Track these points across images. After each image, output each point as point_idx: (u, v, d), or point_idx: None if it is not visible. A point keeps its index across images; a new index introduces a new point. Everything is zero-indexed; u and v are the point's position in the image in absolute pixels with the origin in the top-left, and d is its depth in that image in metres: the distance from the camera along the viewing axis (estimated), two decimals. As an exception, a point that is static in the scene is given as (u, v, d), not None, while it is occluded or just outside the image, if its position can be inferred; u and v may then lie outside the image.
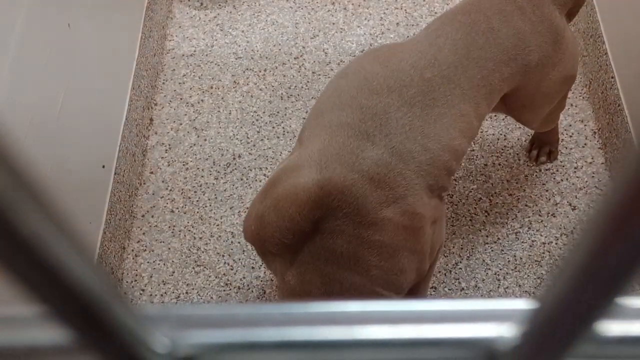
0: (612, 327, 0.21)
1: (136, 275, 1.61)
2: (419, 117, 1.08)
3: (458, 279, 1.56)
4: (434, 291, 1.55)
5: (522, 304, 0.22)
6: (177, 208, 1.70)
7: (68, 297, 0.19)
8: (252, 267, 1.60)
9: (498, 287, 1.55)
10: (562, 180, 1.68)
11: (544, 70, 1.23)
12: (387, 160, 1.04)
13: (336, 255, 1.01)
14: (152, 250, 1.64)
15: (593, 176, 1.68)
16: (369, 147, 1.04)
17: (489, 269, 1.56)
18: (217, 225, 1.66)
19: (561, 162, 1.71)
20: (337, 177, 1.00)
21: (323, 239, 1.01)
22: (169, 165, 1.77)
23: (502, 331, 0.21)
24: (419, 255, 1.11)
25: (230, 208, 1.69)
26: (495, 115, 1.76)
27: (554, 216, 1.62)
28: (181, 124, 1.84)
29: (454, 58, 1.14)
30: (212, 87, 1.91)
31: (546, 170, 1.70)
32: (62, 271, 0.18)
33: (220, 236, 1.65)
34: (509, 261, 1.57)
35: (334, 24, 2.02)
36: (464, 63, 1.14)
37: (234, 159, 1.77)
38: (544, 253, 1.58)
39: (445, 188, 1.16)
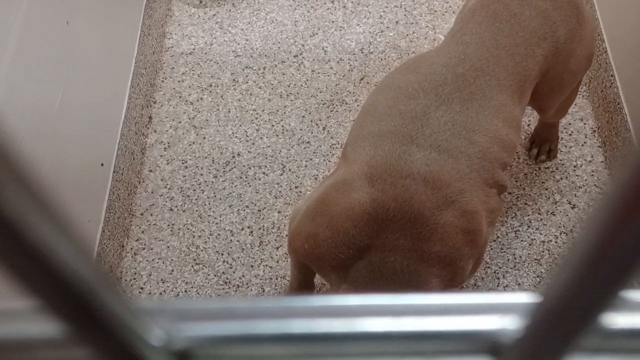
0: (617, 320, 0.21)
1: (135, 273, 1.60)
2: (459, 112, 1.06)
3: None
4: (433, 290, 1.55)
5: (525, 297, 0.22)
6: (176, 206, 1.70)
7: (62, 289, 0.19)
8: (251, 266, 1.59)
9: (497, 285, 1.54)
10: (561, 178, 1.68)
11: (572, 46, 1.22)
12: (436, 158, 1.01)
13: (394, 272, 0.98)
14: (151, 249, 1.64)
15: (593, 174, 1.68)
16: (414, 149, 1.01)
17: (489, 267, 1.56)
18: (216, 223, 1.66)
19: (561, 160, 1.71)
20: (389, 187, 0.97)
21: (380, 255, 0.97)
22: (168, 163, 1.77)
23: (505, 324, 0.21)
24: (476, 256, 1.08)
25: (230, 206, 1.68)
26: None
27: (554, 214, 1.62)
28: (180, 122, 1.84)
29: (483, 50, 1.13)
30: (211, 85, 1.90)
31: (546, 168, 1.70)
32: (55, 263, 0.18)
33: (219, 234, 1.64)
34: (508, 259, 1.57)
35: (333, 22, 2.02)
36: (494, 53, 1.13)
37: (233, 157, 1.77)
38: (543, 251, 1.57)
39: (503, 185, 1.11)
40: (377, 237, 0.97)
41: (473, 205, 1.03)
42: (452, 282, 1.06)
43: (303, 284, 1.35)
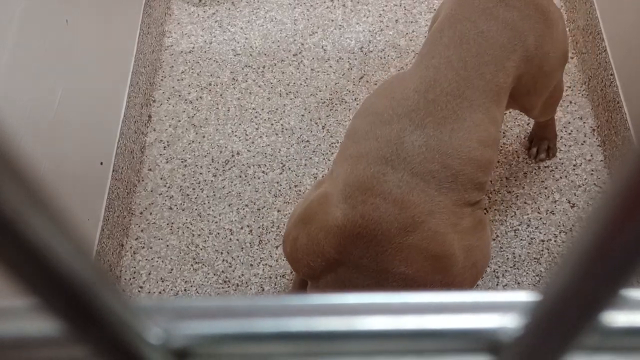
0: (617, 318, 0.21)
1: (134, 272, 1.60)
2: (432, 136, 1.08)
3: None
4: (432, 288, 1.55)
5: (525, 296, 0.22)
6: (176, 205, 1.69)
7: (60, 288, 0.19)
8: (251, 265, 1.59)
9: (497, 284, 1.54)
10: (561, 177, 1.68)
11: (543, 50, 1.23)
12: (407, 181, 1.04)
13: (358, 289, 1.01)
14: (151, 248, 1.64)
15: (592, 173, 1.68)
16: (389, 171, 1.04)
17: (488, 266, 1.56)
18: (216, 222, 1.66)
19: (560, 159, 1.71)
20: (359, 204, 1.00)
21: (346, 270, 1.01)
22: (167, 162, 1.77)
23: (505, 322, 0.21)
24: (455, 286, 1.07)
25: (229, 205, 1.68)
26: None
27: (553, 214, 1.62)
28: (179, 121, 1.84)
29: (453, 74, 1.14)
30: (210, 84, 1.90)
31: (545, 167, 1.70)
32: (54, 262, 0.18)
33: (218, 233, 1.64)
34: (507, 259, 1.57)
35: (332, 20, 2.02)
36: (464, 75, 1.14)
37: (233, 156, 1.76)
38: (542, 250, 1.57)
39: (477, 203, 1.13)
40: (345, 253, 1.01)
41: (442, 228, 1.04)
42: None
43: (304, 282, 1.36)
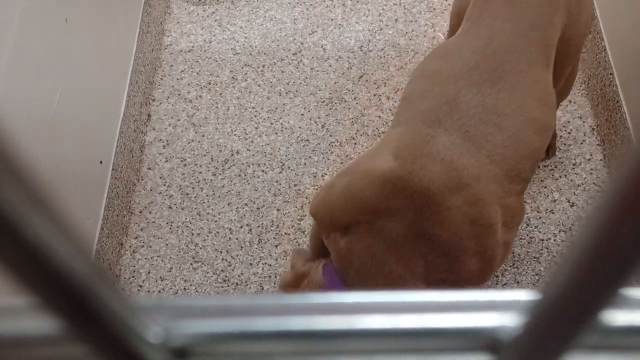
0: (616, 317, 0.21)
1: (134, 271, 1.60)
2: (489, 95, 1.04)
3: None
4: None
5: (525, 295, 0.22)
6: (175, 204, 1.69)
7: (59, 287, 0.19)
8: (250, 264, 1.59)
9: (496, 283, 1.54)
10: (560, 176, 1.68)
11: (579, 8, 1.21)
12: (458, 144, 1.01)
13: (389, 238, 0.99)
14: (150, 247, 1.63)
15: (592, 173, 1.68)
16: (441, 133, 1.02)
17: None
18: (215, 221, 1.66)
19: (560, 158, 1.71)
20: (408, 162, 0.99)
21: (382, 218, 0.99)
22: (166, 161, 1.77)
23: (504, 321, 0.21)
24: (483, 261, 1.03)
25: (228, 204, 1.68)
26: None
27: (553, 213, 1.62)
28: (179, 120, 1.84)
29: (509, 27, 1.10)
30: (210, 83, 1.90)
31: (545, 166, 1.70)
32: (53, 260, 0.18)
33: (218, 232, 1.64)
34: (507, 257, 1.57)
35: (332, 19, 2.02)
36: (521, 27, 1.10)
37: (232, 155, 1.76)
38: (542, 249, 1.57)
39: (526, 178, 1.07)
40: (385, 202, 0.99)
41: (487, 196, 1.01)
42: (446, 275, 1.03)
43: (319, 253, 1.33)
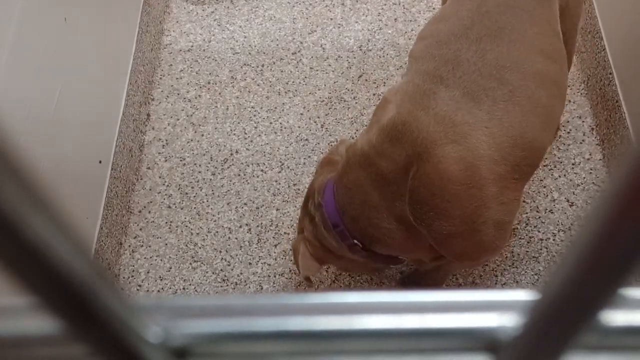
0: (615, 317, 0.21)
1: (133, 271, 1.60)
2: (489, 50, 1.04)
3: (455, 275, 1.55)
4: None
5: (524, 294, 0.22)
6: (174, 204, 1.69)
7: (59, 286, 0.19)
8: (249, 263, 1.59)
9: (495, 283, 1.54)
10: (559, 176, 1.68)
11: None
12: (457, 100, 1.02)
13: (377, 175, 1.06)
14: (149, 246, 1.63)
15: (591, 172, 1.68)
16: (442, 89, 1.04)
17: (487, 265, 1.56)
18: (215, 221, 1.66)
19: (559, 158, 1.71)
20: (405, 113, 1.04)
21: (376, 157, 1.06)
22: (166, 160, 1.77)
23: (504, 321, 0.21)
24: (465, 224, 1.03)
25: (228, 204, 1.68)
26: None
27: (552, 212, 1.62)
28: (178, 120, 1.84)
29: None
30: (209, 83, 1.90)
31: (544, 166, 1.70)
32: (53, 260, 0.18)
33: (217, 232, 1.64)
34: (506, 257, 1.57)
35: (331, 19, 2.02)
36: None
37: (232, 154, 1.76)
38: (541, 249, 1.57)
39: (532, 141, 1.03)
40: (381, 145, 1.06)
41: (474, 156, 1.00)
42: (419, 224, 1.04)
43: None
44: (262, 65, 1.93)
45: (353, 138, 1.77)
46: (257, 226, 1.64)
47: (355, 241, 1.15)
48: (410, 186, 1.02)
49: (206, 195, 1.70)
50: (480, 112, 1.01)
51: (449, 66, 1.05)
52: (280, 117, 1.82)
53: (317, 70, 1.90)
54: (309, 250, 1.23)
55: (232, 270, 1.59)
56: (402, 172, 1.03)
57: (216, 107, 1.85)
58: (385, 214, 1.08)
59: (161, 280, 1.59)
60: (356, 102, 1.83)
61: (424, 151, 1.00)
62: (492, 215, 1.04)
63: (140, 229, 1.66)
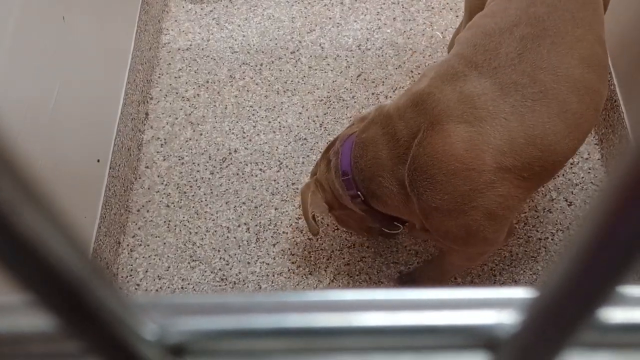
0: (614, 315, 0.21)
1: (131, 270, 1.60)
2: (529, 49, 1.05)
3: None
4: (430, 286, 1.55)
5: (522, 292, 0.22)
6: (173, 203, 1.69)
7: (55, 284, 0.19)
8: (248, 262, 1.59)
9: (494, 282, 1.54)
10: (558, 175, 1.68)
11: None
12: (485, 86, 1.04)
13: (394, 133, 1.12)
14: (148, 245, 1.63)
15: (589, 172, 1.68)
16: (474, 74, 1.07)
17: (485, 264, 1.56)
18: (213, 220, 1.66)
19: (558, 157, 1.71)
20: (434, 89, 1.08)
21: (397, 119, 1.12)
22: (164, 159, 1.77)
23: (502, 318, 0.21)
24: (452, 201, 1.04)
25: (226, 203, 1.68)
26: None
27: (550, 212, 1.62)
28: (177, 119, 1.84)
29: None
30: (208, 82, 1.90)
31: (543, 165, 1.70)
32: (49, 258, 0.18)
33: (215, 231, 1.64)
34: (504, 257, 1.57)
35: (330, 18, 2.01)
36: None
37: (230, 153, 1.76)
38: (539, 249, 1.58)
39: (553, 144, 1.03)
40: (404, 109, 1.11)
41: (483, 143, 1.01)
42: (419, 192, 1.07)
43: None
44: (261, 64, 1.93)
45: (352, 137, 1.77)
46: (256, 225, 1.64)
47: (359, 193, 1.20)
48: (414, 152, 1.07)
49: (205, 194, 1.70)
50: (504, 104, 1.02)
51: (487, 55, 1.08)
52: (278, 116, 1.82)
53: (315, 70, 1.90)
54: (319, 191, 1.30)
55: (230, 269, 1.59)
56: (412, 138, 1.08)
57: (215, 106, 1.85)
58: (388, 174, 1.13)
59: (159, 279, 1.58)
60: (355, 101, 1.83)
61: (436, 122, 1.04)
62: (485, 203, 1.04)
63: (139, 228, 1.66)
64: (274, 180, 1.71)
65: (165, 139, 1.80)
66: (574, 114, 1.04)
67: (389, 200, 1.17)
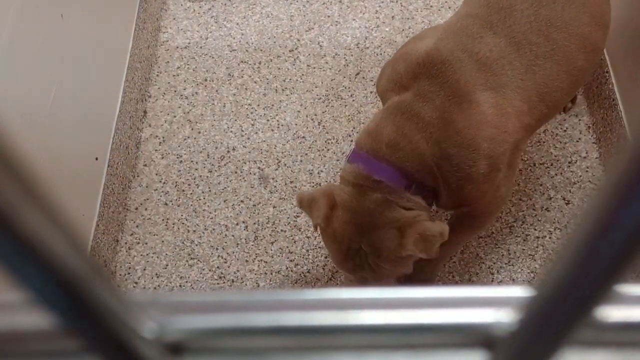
0: (611, 313, 0.21)
1: (129, 268, 1.60)
2: (545, 6, 1.06)
3: (452, 272, 1.56)
4: (428, 285, 1.55)
5: (520, 290, 0.22)
6: (171, 201, 1.69)
7: (54, 282, 0.19)
8: (246, 261, 1.59)
9: (492, 280, 1.55)
10: (556, 174, 1.68)
11: None
12: (502, 48, 1.04)
13: (416, 115, 1.05)
14: (146, 243, 1.63)
15: (587, 171, 1.68)
16: (489, 35, 1.05)
17: (483, 262, 1.56)
18: (211, 218, 1.66)
19: (555, 156, 1.71)
20: (445, 51, 1.04)
21: (413, 97, 1.06)
22: (162, 157, 1.77)
23: (500, 317, 0.21)
24: (490, 166, 1.05)
25: (224, 201, 1.68)
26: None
27: (548, 210, 1.62)
28: (175, 117, 1.83)
29: None
30: (206, 80, 1.90)
31: (540, 164, 1.70)
32: (48, 256, 0.18)
33: (214, 229, 1.64)
34: (502, 255, 1.57)
35: (329, 16, 2.01)
36: None
37: (228, 151, 1.76)
38: (537, 247, 1.58)
39: (558, 100, 1.06)
40: (417, 83, 1.05)
41: (507, 105, 1.03)
42: (453, 169, 1.05)
43: None
44: (259, 63, 1.92)
45: (350, 136, 1.77)
46: (254, 223, 1.64)
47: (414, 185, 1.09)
48: (448, 128, 1.03)
49: (203, 192, 1.70)
50: (520, 66, 1.04)
51: (501, 14, 1.06)
52: (277, 115, 1.82)
53: (314, 68, 1.90)
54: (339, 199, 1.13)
55: (228, 267, 1.59)
56: (439, 114, 1.04)
57: (213, 104, 1.85)
58: (430, 159, 1.06)
59: (157, 277, 1.58)
60: (353, 100, 1.83)
61: (465, 94, 1.02)
62: (511, 158, 1.09)
63: (137, 226, 1.66)
64: (272, 179, 1.71)
65: (163, 137, 1.80)
66: (580, 70, 1.08)
67: (434, 185, 1.10)
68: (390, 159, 1.06)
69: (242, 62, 1.93)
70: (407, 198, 1.07)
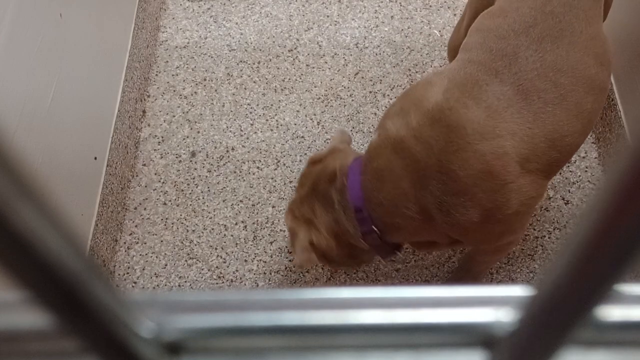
0: (611, 313, 0.21)
1: (128, 267, 1.60)
2: (549, 51, 1.04)
3: (451, 272, 1.56)
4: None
5: (520, 290, 0.22)
6: (170, 200, 1.69)
7: (52, 281, 0.19)
8: (245, 260, 1.59)
9: (491, 280, 1.55)
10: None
11: None
12: (509, 96, 1.02)
13: (410, 160, 1.05)
14: (145, 243, 1.63)
15: (586, 170, 1.69)
16: (495, 82, 1.03)
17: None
18: (210, 218, 1.66)
19: (555, 156, 1.71)
20: (453, 100, 1.03)
21: (412, 141, 1.05)
22: (161, 157, 1.76)
23: (500, 316, 0.21)
24: (487, 216, 1.03)
25: (224, 201, 1.68)
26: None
27: (547, 210, 1.63)
28: (174, 116, 1.83)
29: None
30: (205, 79, 1.90)
31: (540, 164, 1.70)
32: (46, 255, 0.18)
33: (213, 229, 1.64)
34: (502, 255, 1.57)
35: (328, 16, 2.01)
36: None
37: (227, 151, 1.76)
38: (536, 247, 1.58)
39: (570, 145, 1.05)
40: (422, 128, 1.04)
41: (514, 153, 1.01)
42: (445, 215, 1.04)
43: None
44: (259, 62, 1.92)
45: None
46: (253, 223, 1.64)
47: (374, 228, 1.12)
48: (446, 175, 1.02)
49: (202, 192, 1.70)
50: (528, 114, 1.02)
51: (505, 61, 1.05)
52: (276, 114, 1.82)
53: (313, 68, 1.90)
54: (316, 243, 1.19)
55: (227, 267, 1.59)
56: (434, 159, 1.02)
57: (212, 104, 1.85)
58: (413, 203, 1.06)
59: (156, 277, 1.58)
60: (352, 100, 1.83)
61: (466, 141, 1.00)
62: (518, 206, 1.06)
63: (136, 226, 1.66)
64: (271, 178, 1.71)
65: (162, 137, 1.80)
66: (589, 112, 1.07)
67: (411, 229, 1.11)
68: (367, 182, 1.10)
69: (241, 61, 1.93)
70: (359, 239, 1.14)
